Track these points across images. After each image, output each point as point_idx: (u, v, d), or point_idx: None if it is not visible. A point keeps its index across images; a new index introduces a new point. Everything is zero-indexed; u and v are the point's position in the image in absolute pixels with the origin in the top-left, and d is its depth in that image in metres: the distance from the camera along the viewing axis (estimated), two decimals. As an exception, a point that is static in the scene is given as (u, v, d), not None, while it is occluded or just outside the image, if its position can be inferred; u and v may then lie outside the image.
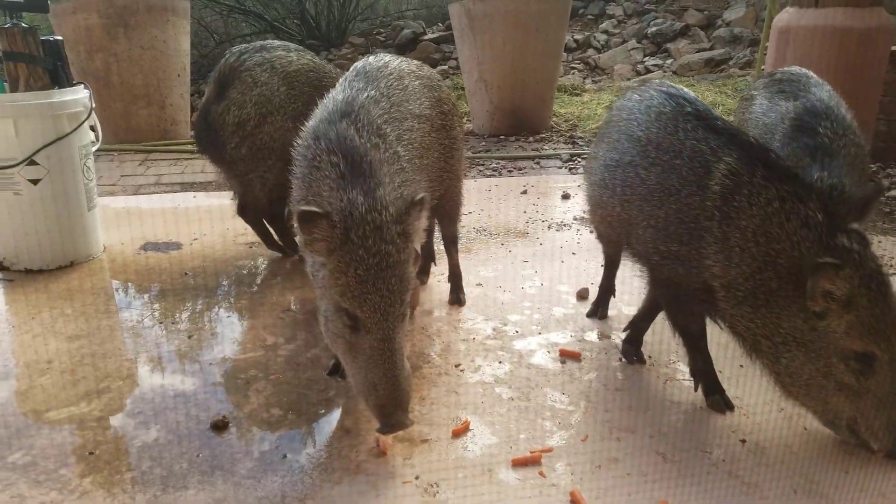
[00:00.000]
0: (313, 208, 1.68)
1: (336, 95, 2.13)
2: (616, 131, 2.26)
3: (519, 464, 1.86)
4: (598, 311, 2.74)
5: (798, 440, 1.98)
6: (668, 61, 8.74)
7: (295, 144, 2.07)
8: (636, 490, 1.76)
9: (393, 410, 1.73)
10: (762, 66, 5.03)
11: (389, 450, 1.89)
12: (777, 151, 1.96)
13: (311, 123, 2.05)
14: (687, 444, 1.94)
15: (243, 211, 3.21)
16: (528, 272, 3.17)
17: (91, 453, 1.88)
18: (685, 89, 2.17)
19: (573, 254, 3.39)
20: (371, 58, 2.39)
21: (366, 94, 2.10)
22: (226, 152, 2.94)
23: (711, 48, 8.79)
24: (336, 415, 2.09)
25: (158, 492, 1.74)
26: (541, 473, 1.83)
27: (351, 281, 1.67)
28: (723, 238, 1.83)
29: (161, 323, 2.66)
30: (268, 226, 3.27)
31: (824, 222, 1.74)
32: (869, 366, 1.73)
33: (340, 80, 2.26)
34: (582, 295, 2.89)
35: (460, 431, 1.99)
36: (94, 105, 3.20)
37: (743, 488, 1.78)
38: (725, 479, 1.81)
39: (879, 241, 3.61)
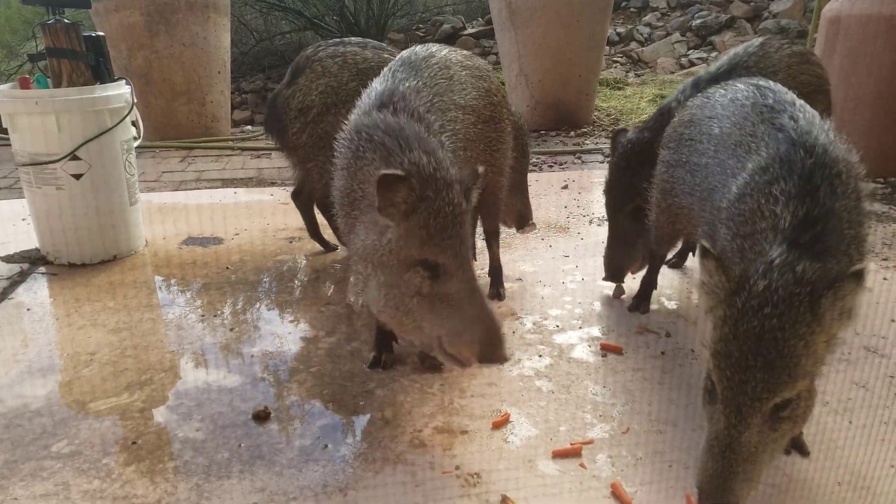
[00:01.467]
0: (396, 171, 1.71)
1: (376, 86, 2.11)
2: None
3: (559, 455, 1.83)
4: (641, 305, 2.68)
5: (843, 433, 1.92)
6: (713, 54, 8.53)
7: (337, 138, 2.07)
8: (677, 483, 1.72)
9: (496, 341, 1.77)
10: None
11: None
12: None
13: (352, 117, 2.03)
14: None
15: (297, 195, 3.24)
16: (569, 267, 3.11)
17: (134, 443, 1.91)
18: None
19: (614, 247, 3.32)
20: (418, 47, 2.36)
21: (407, 85, 2.08)
22: (287, 137, 2.97)
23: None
24: (376, 406, 2.08)
25: (201, 480, 1.75)
26: (582, 465, 1.80)
27: (433, 231, 1.73)
28: None
29: (203, 316, 2.68)
30: (317, 215, 3.29)
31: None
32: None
33: (384, 71, 2.23)
34: (616, 295, 2.82)
35: (500, 423, 1.97)
36: (135, 101, 3.25)
37: (785, 479, 1.74)
38: (770, 470, 1.76)
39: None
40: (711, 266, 1.48)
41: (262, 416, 2.01)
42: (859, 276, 1.36)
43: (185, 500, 1.68)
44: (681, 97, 2.56)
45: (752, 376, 1.38)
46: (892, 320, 2.56)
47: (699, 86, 2.51)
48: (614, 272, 2.75)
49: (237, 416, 2.03)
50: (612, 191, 2.72)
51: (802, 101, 1.89)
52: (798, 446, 1.84)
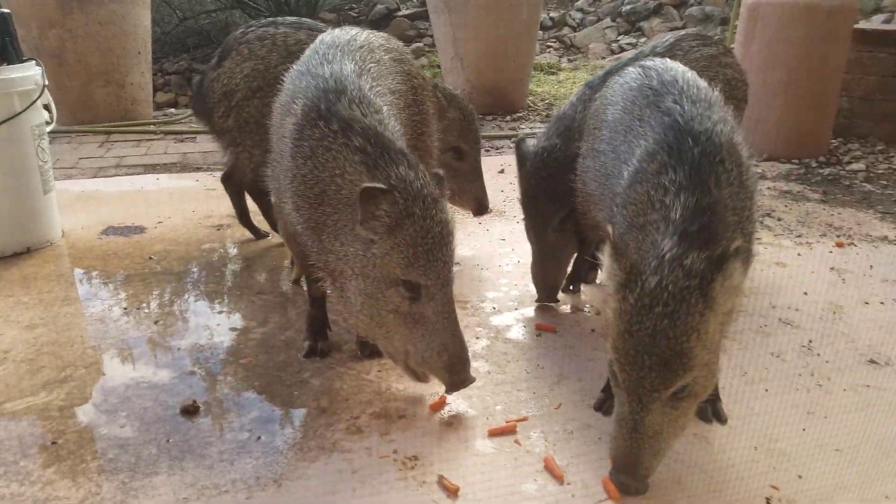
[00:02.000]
0: (379, 185, 1.68)
1: (317, 70, 2.01)
2: None
3: (495, 434, 1.86)
4: (573, 285, 2.73)
5: (760, 401, 2.03)
6: (642, 40, 8.72)
7: (276, 121, 2.00)
8: (607, 454, 1.76)
9: (462, 368, 1.81)
10: (731, 45, 5.05)
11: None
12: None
13: (300, 100, 1.93)
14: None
15: (227, 179, 3.15)
16: (506, 250, 3.14)
17: (54, 443, 1.81)
18: None
19: (547, 228, 3.37)
20: (337, 30, 2.30)
21: (349, 68, 2.01)
22: (214, 121, 2.87)
23: (684, 27, 8.80)
24: (311, 395, 2.04)
25: (127, 478, 1.68)
26: (516, 442, 1.84)
27: (419, 252, 1.71)
28: None
29: (126, 309, 2.57)
30: (246, 201, 3.20)
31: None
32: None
33: (310, 54, 2.16)
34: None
35: (437, 406, 1.97)
36: (46, 83, 3.06)
37: (706, 447, 1.83)
38: (690, 439, 1.84)
39: (839, 213, 3.66)
40: (610, 251, 1.52)
41: (190, 411, 1.95)
42: (739, 254, 1.42)
43: (110, 499, 1.61)
44: (575, 101, 2.50)
45: (648, 374, 1.45)
46: (805, 293, 2.71)
47: (594, 87, 2.46)
48: (549, 292, 2.55)
49: (165, 412, 1.96)
50: (534, 205, 2.48)
51: (691, 77, 1.90)
52: (717, 414, 1.92)
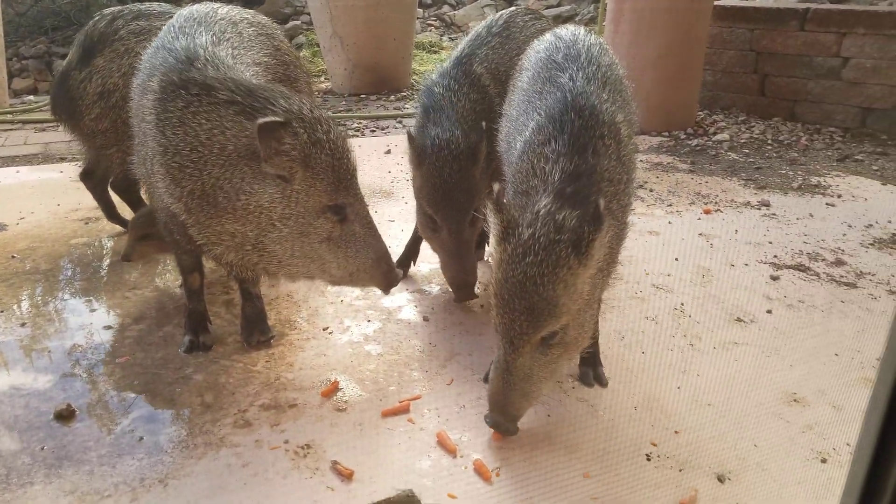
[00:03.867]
0: (274, 119, 1.69)
1: (171, 45, 1.93)
2: None
3: (389, 414, 1.88)
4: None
5: (637, 363, 2.16)
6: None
7: (135, 103, 1.92)
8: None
9: (392, 265, 1.99)
10: (603, 22, 5.25)
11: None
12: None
13: (156, 76, 1.86)
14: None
15: (88, 176, 2.97)
16: (395, 231, 3.15)
17: None
18: None
19: (435, 208, 3.40)
20: (197, 5, 2.22)
21: (204, 38, 1.96)
22: (84, 123, 2.65)
23: (559, 4, 9.05)
24: (195, 391, 1.98)
25: (-5, 493, 1.58)
26: (410, 420, 1.86)
27: (339, 174, 1.81)
28: None
29: (-14, 312, 2.38)
30: (110, 195, 3.01)
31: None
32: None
33: (166, 29, 2.06)
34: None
35: (329, 392, 1.97)
36: None
37: (591, 411, 1.93)
38: (574, 403, 1.95)
39: (706, 182, 3.93)
40: (492, 207, 1.61)
41: (65, 415, 1.85)
42: (603, 216, 1.52)
43: (-24, 518, 1.51)
44: (443, 91, 2.40)
45: (518, 317, 1.56)
46: (676, 259, 2.90)
47: (446, 74, 2.44)
48: (470, 289, 2.39)
49: (37, 418, 1.84)
50: (448, 200, 2.30)
51: (596, 53, 1.97)
52: (598, 378, 2.04)
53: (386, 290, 2.00)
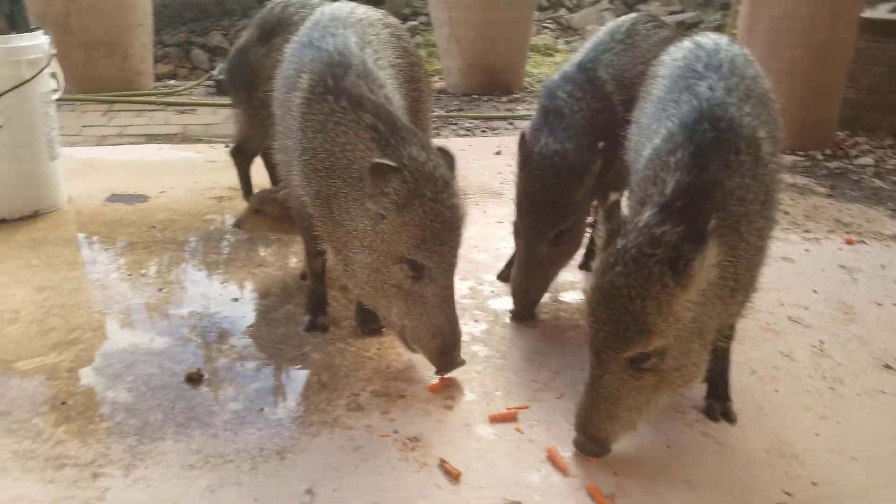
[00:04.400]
0: (389, 162, 1.70)
1: (320, 43, 2.03)
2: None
3: (496, 420, 1.88)
4: (507, 273, 2.68)
5: (770, 402, 2.02)
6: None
7: (279, 94, 2.01)
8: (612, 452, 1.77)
9: (452, 350, 1.86)
10: (733, 30, 5.01)
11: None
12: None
13: (306, 74, 1.95)
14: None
15: (238, 153, 3.18)
16: (503, 233, 3.16)
17: (63, 403, 1.85)
18: None
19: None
20: (335, 3, 2.31)
21: (353, 41, 2.03)
22: (256, 95, 2.86)
23: (682, 11, 8.78)
24: (312, 369, 2.08)
25: (134, 442, 1.72)
26: (518, 430, 1.85)
27: (426, 234, 1.74)
28: None
29: (130, 276, 2.59)
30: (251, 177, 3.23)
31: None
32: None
33: (310, 26, 2.17)
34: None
35: (437, 388, 2.01)
36: (54, 52, 3.06)
37: (717, 448, 1.82)
38: (698, 437, 1.85)
39: (847, 209, 3.68)
40: (603, 214, 1.58)
41: (195, 379, 1.99)
42: (714, 235, 1.44)
43: (119, 462, 1.65)
44: (568, 97, 2.35)
45: (603, 328, 1.50)
46: (815, 291, 2.69)
47: (569, 79, 2.39)
48: (528, 309, 2.35)
49: (169, 378, 1.99)
50: (533, 210, 2.25)
51: (742, 62, 1.89)
52: (725, 413, 1.93)
53: (438, 370, 1.93)
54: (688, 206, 1.53)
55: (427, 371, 2.07)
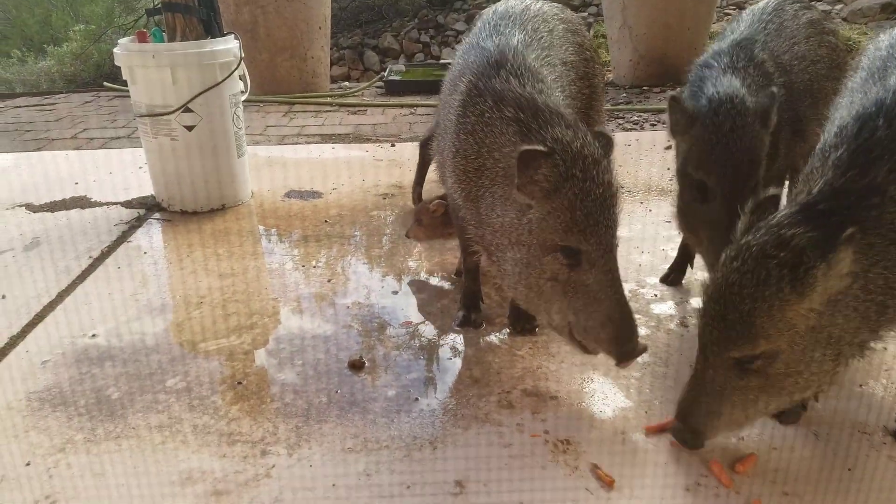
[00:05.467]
0: (537, 147, 1.65)
1: (483, 42, 2.04)
2: None
3: (653, 431, 1.79)
4: (671, 276, 2.56)
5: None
6: (838, 6, 7.85)
7: (444, 96, 2.05)
8: (778, 466, 1.66)
9: (629, 338, 1.70)
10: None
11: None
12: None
13: (466, 76, 1.96)
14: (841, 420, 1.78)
15: (425, 145, 3.25)
16: (670, 233, 2.99)
17: (239, 383, 2.02)
18: None
19: (718, 214, 3.17)
20: (511, 0, 2.30)
21: (517, 39, 2.02)
22: None
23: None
24: (464, 364, 2.10)
25: (300, 423, 1.84)
26: (675, 444, 1.73)
27: (577, 215, 1.65)
28: None
29: (303, 266, 2.78)
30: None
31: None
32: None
33: (481, 25, 2.18)
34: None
35: (653, 430, 1.79)
36: (243, 55, 3.35)
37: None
38: (885, 462, 1.66)
39: None
40: (751, 206, 1.49)
41: (357, 366, 2.08)
42: (850, 243, 1.29)
43: (285, 441, 1.77)
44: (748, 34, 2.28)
45: (710, 323, 1.43)
46: None
47: (724, 53, 2.23)
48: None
49: (334, 364, 2.10)
50: (727, 159, 1.99)
51: None
52: None
53: (617, 361, 1.72)
54: (832, 210, 1.38)
55: (581, 373, 2.01)
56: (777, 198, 1.54)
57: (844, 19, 7.55)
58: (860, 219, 1.37)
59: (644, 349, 1.73)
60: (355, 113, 5.54)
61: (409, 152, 4.27)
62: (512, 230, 1.77)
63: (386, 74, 6.44)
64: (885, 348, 1.84)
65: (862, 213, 1.38)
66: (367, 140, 4.71)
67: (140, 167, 3.89)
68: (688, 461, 1.68)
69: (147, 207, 3.43)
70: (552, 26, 2.20)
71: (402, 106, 5.66)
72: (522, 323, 2.24)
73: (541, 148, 1.64)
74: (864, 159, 1.43)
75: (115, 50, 3.24)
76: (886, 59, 1.71)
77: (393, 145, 4.48)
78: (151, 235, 3.13)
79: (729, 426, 1.55)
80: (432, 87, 6.05)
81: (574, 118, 1.78)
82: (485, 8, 2.44)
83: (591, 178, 1.65)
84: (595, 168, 1.66)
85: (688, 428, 1.56)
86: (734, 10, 8.45)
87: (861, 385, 1.94)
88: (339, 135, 4.88)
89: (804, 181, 1.54)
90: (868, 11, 7.53)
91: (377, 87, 6.42)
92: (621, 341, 1.69)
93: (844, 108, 1.69)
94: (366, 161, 4.15)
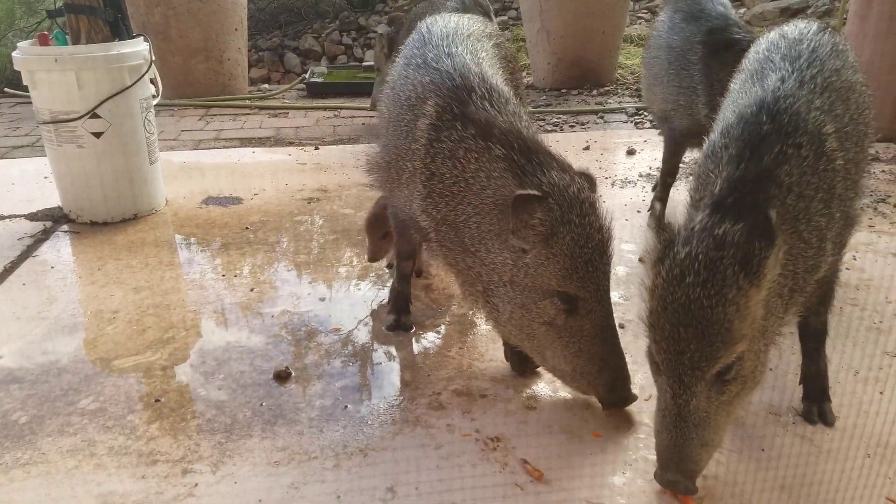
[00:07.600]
0: (532, 192, 1.61)
1: (442, 65, 1.93)
2: None
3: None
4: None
5: (874, 404, 1.90)
6: (741, 10, 8.26)
7: (393, 114, 2.00)
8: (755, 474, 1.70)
9: (622, 386, 1.73)
10: (844, 15, 4.68)
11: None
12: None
13: (431, 98, 1.87)
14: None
15: None
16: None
17: (157, 400, 1.93)
18: None
19: (637, 212, 3.27)
20: (438, 19, 2.25)
21: (468, 59, 1.95)
22: None
23: (791, -3, 8.26)
24: (395, 368, 2.09)
25: (223, 439, 1.77)
26: (595, 434, 1.79)
27: (577, 262, 1.63)
28: None
29: (223, 276, 2.69)
30: None
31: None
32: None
33: (420, 43, 2.11)
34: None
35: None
36: (153, 58, 3.22)
37: (814, 451, 1.71)
38: (793, 440, 1.74)
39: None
40: (653, 224, 1.46)
41: (282, 376, 2.03)
42: (775, 231, 1.32)
43: (208, 458, 1.71)
44: None
45: (687, 347, 1.36)
46: (923, 289, 2.50)
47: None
48: None
49: (259, 376, 2.04)
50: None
51: (827, 52, 1.74)
52: (823, 415, 1.81)
53: (605, 406, 1.77)
54: (739, 200, 1.41)
55: (509, 370, 2.03)
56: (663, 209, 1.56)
57: (748, 22, 7.95)
58: (766, 203, 1.41)
59: (635, 399, 1.77)
60: (276, 116, 5.42)
61: (335, 156, 4.22)
62: (505, 270, 1.72)
63: (308, 76, 6.34)
64: (792, 332, 1.94)
65: (766, 199, 1.43)
66: (290, 143, 4.62)
67: (45, 177, 3.67)
68: (612, 451, 1.72)
69: (54, 219, 3.25)
70: (484, 45, 2.15)
71: (325, 108, 5.58)
72: (526, 364, 2.04)
73: (536, 193, 1.61)
74: (752, 151, 1.48)
75: (13, 54, 3.05)
76: (763, 61, 1.78)
77: (317, 148, 4.40)
78: (59, 249, 2.96)
79: (715, 449, 1.49)
80: (357, 90, 6.00)
81: (566, 161, 1.76)
82: (405, 10, 2.42)
83: (588, 224, 1.64)
84: (591, 213, 1.65)
85: (685, 474, 1.44)
86: (647, 13, 8.77)
87: (771, 368, 2.04)
88: (260, 138, 4.76)
89: (702, 185, 1.56)
90: (768, 15, 7.96)
91: (299, 90, 6.31)
92: (615, 389, 1.72)
93: (728, 110, 1.74)
94: (289, 165, 4.06)
